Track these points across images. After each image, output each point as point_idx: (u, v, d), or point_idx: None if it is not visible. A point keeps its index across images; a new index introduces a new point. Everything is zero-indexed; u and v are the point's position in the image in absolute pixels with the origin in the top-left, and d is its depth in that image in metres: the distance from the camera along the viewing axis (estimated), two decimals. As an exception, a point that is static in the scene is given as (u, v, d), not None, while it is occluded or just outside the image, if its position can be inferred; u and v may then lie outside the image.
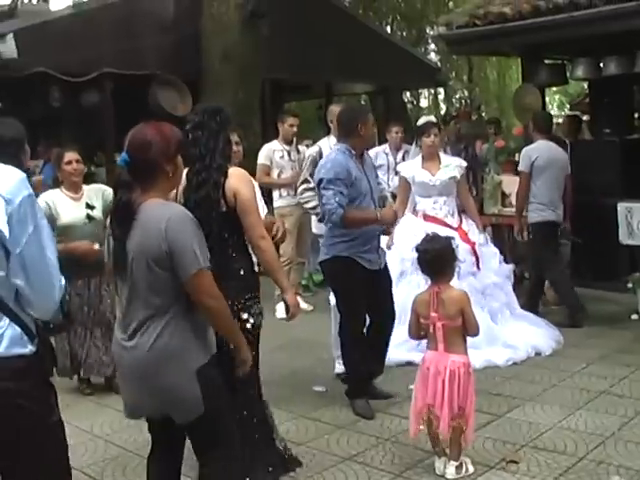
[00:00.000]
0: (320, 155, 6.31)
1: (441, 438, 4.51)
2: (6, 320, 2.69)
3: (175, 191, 3.93)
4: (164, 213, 3.23)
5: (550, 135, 8.20)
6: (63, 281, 2.86)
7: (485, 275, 7.13)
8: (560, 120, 13.26)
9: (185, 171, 3.93)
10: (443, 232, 6.54)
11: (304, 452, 4.98)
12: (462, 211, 7.35)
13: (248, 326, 4.21)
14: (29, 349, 2.74)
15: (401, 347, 6.41)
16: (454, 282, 6.35)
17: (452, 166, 7.17)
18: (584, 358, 6.68)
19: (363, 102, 19.87)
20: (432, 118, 7.98)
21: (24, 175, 2.73)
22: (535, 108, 9.24)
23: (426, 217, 7.12)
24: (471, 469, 4.53)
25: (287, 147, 8.89)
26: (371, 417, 5.57)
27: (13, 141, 4.22)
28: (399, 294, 6.24)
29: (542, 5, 7.96)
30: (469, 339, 4.60)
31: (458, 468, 4.48)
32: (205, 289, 3.27)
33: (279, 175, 8.87)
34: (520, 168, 8.06)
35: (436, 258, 4.57)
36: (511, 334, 6.98)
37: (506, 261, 7.56)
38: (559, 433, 5.08)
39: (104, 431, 5.45)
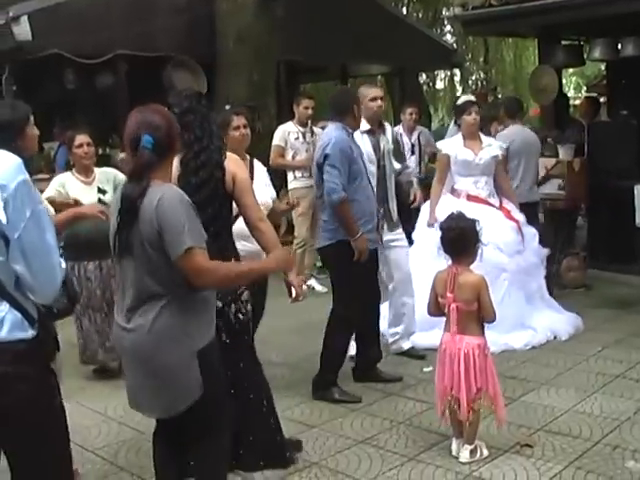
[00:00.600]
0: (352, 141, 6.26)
1: (461, 420, 4.48)
2: (6, 305, 2.69)
3: None
4: (158, 192, 3.21)
5: (520, 120, 8.36)
6: (64, 264, 2.85)
7: (528, 255, 7.11)
8: (577, 102, 13.16)
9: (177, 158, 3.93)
10: (489, 211, 6.75)
11: (318, 435, 4.98)
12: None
13: (240, 316, 4.23)
14: (30, 333, 2.74)
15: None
16: (502, 259, 6.61)
17: (494, 146, 7.17)
18: (600, 342, 6.64)
19: (379, 84, 19.84)
20: (471, 97, 7.90)
21: (19, 160, 2.70)
22: (551, 89, 9.18)
23: (469, 197, 7.05)
24: (485, 453, 4.51)
25: (302, 129, 8.87)
26: (359, 400, 5.56)
27: (10, 124, 4.14)
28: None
29: (558, -15, 7.88)
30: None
31: (472, 452, 4.47)
32: (195, 269, 3.20)
33: (294, 157, 8.85)
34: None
35: (460, 237, 4.49)
36: (534, 316, 6.96)
37: (547, 245, 7.53)
38: (574, 417, 5.05)
39: (118, 413, 5.45)
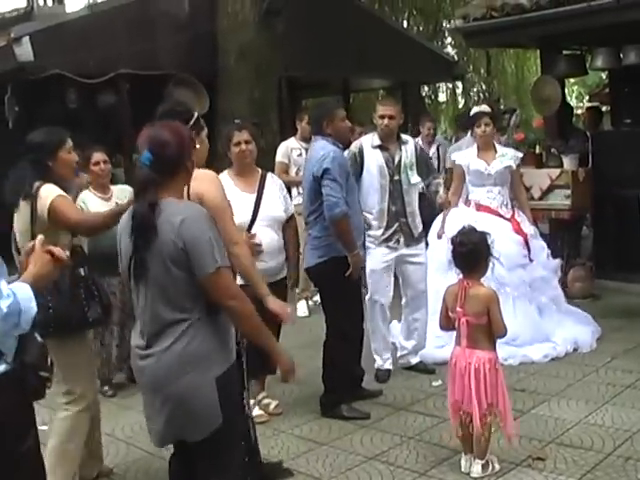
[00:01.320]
0: (361, 152, 6.24)
1: (474, 435, 4.43)
2: None
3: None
4: (180, 210, 3.15)
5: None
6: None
7: (534, 268, 7.08)
8: (580, 111, 13.13)
9: None
10: (496, 222, 6.74)
11: (327, 452, 4.95)
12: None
13: None
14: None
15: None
16: (502, 273, 6.51)
17: (508, 156, 7.18)
18: (609, 352, 6.60)
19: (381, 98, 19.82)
20: (485, 107, 7.90)
21: None
22: (554, 100, 9.16)
23: (479, 207, 7.09)
24: (497, 467, 4.47)
25: (304, 145, 8.77)
26: (368, 416, 5.52)
27: (41, 146, 4.36)
28: (447, 284, 6.24)
29: (559, -5, 7.86)
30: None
31: (484, 466, 4.43)
32: (224, 289, 3.16)
33: (297, 173, 8.82)
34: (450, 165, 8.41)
35: (472, 252, 4.48)
36: (555, 330, 6.91)
37: (554, 256, 7.49)
38: (585, 429, 5.01)
39: (126, 434, 5.43)
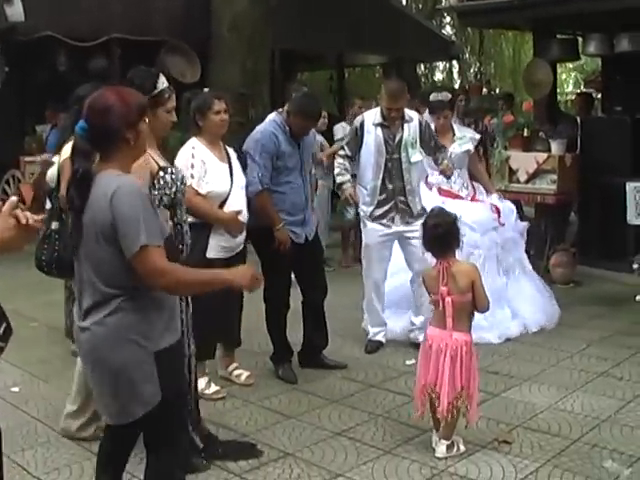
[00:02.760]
0: (362, 127, 6.27)
1: (439, 417, 4.43)
2: None
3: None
4: (114, 182, 3.00)
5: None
6: None
7: (505, 229, 7.12)
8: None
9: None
10: (459, 205, 6.65)
11: (294, 425, 4.94)
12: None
13: None
14: None
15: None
16: (474, 237, 6.63)
17: (466, 138, 7.17)
18: (585, 339, 6.60)
19: (377, 74, 19.73)
20: (443, 94, 7.77)
21: None
22: (545, 84, 9.12)
23: (440, 191, 7.08)
24: (462, 448, 4.46)
25: None
26: (294, 381, 5.74)
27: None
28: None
29: (553, -22, 7.80)
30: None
31: (449, 447, 4.42)
32: (151, 269, 2.99)
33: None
34: None
35: (447, 232, 4.47)
36: (510, 290, 6.98)
37: (520, 219, 7.53)
38: (554, 414, 5.00)
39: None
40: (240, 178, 5.40)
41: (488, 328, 6.43)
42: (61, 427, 4.80)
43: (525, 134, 9.06)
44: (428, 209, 5.84)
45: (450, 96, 7.50)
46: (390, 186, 6.22)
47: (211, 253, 5.16)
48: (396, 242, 6.40)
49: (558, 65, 10.48)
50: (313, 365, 6.02)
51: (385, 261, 6.40)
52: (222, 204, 5.21)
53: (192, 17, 11.30)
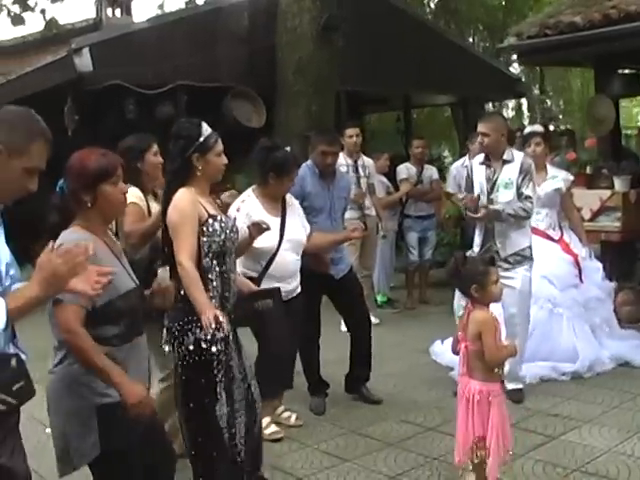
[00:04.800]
0: (471, 169, 6.37)
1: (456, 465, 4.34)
2: None
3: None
4: (60, 238, 3.09)
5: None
6: None
7: (587, 288, 7.04)
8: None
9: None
10: (544, 244, 6.74)
11: (349, 469, 4.94)
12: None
13: (183, 353, 4.02)
14: None
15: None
16: (554, 294, 6.74)
17: (559, 178, 7.08)
18: (650, 380, 6.46)
19: (446, 114, 19.68)
20: (536, 127, 7.78)
21: None
22: (608, 120, 9.02)
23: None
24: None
25: (350, 160, 8.65)
26: (320, 413, 6.01)
27: (129, 150, 4.84)
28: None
29: (613, 14, 7.74)
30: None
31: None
32: (61, 323, 3.03)
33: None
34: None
35: (460, 272, 4.35)
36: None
37: (609, 279, 7.42)
38: (614, 458, 4.89)
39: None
40: (295, 230, 5.47)
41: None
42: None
43: (588, 171, 8.98)
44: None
45: (543, 129, 7.50)
46: (489, 226, 6.14)
47: None
48: None
49: (631, 99, 10.36)
50: (352, 393, 6.34)
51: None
52: (270, 261, 5.30)
53: (257, 62, 11.45)
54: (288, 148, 5.54)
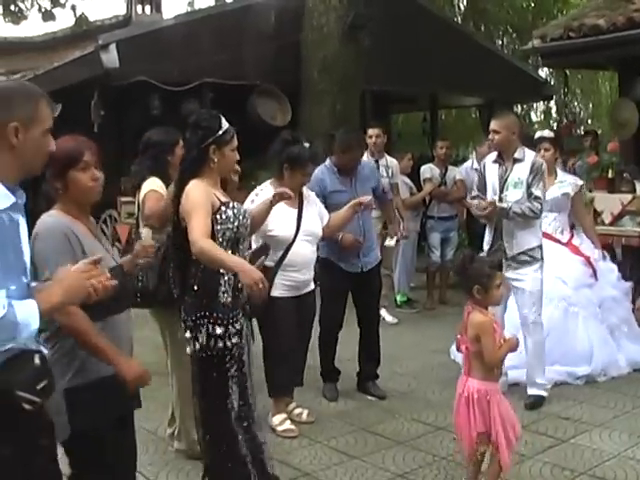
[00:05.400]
0: (484, 167, 6.31)
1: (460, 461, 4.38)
2: None
3: None
4: (39, 223, 3.20)
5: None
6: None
7: (602, 288, 7.02)
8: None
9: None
10: (553, 246, 6.71)
11: (357, 466, 4.96)
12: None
13: (196, 346, 4.05)
14: None
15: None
16: (568, 293, 6.74)
17: (567, 183, 7.08)
18: (665, 385, 6.42)
19: (473, 115, 19.65)
20: (545, 132, 7.78)
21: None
22: (632, 123, 8.98)
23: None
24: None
25: (372, 160, 8.62)
26: (333, 399, 6.20)
27: (162, 143, 5.11)
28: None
29: (637, 17, 7.71)
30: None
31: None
32: None
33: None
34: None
35: (462, 272, 4.36)
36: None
37: (625, 279, 7.40)
38: (622, 462, 4.88)
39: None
40: (312, 222, 5.52)
41: None
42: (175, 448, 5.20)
43: (610, 175, 8.94)
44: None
45: (553, 134, 7.48)
46: (498, 226, 6.11)
47: (275, 292, 5.26)
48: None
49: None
50: (360, 390, 6.42)
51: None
52: (286, 251, 5.36)
53: (283, 61, 11.49)
54: (307, 144, 5.57)
